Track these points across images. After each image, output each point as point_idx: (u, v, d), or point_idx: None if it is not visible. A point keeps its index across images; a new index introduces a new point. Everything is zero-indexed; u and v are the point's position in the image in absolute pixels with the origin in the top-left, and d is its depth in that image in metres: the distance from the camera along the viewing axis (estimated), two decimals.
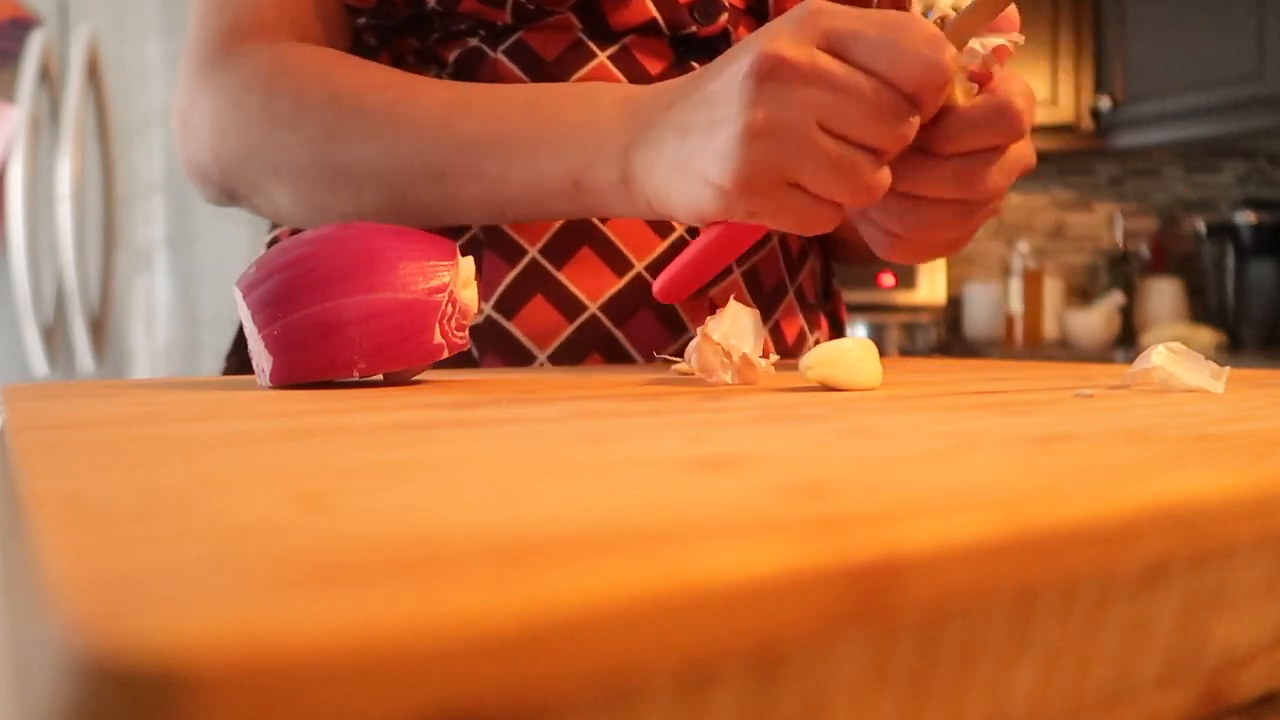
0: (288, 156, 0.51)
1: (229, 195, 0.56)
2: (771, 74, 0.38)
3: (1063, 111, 2.58)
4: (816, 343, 0.63)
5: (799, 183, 0.40)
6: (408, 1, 0.54)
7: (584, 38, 0.55)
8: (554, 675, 0.11)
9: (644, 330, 0.54)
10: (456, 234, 0.54)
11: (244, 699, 0.09)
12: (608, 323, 0.54)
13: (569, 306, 0.53)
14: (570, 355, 0.53)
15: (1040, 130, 2.60)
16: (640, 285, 0.54)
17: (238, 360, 0.62)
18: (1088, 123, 2.57)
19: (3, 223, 1.48)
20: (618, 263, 0.54)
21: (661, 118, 0.43)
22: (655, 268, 0.54)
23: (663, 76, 0.55)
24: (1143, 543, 0.16)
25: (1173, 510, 0.16)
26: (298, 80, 0.51)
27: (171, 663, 0.09)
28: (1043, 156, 2.78)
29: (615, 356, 0.54)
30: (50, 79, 1.52)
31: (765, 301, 0.59)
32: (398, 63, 0.58)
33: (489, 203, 0.49)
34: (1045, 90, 2.59)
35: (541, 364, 0.53)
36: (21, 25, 1.50)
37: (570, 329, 0.53)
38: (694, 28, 0.55)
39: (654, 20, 0.54)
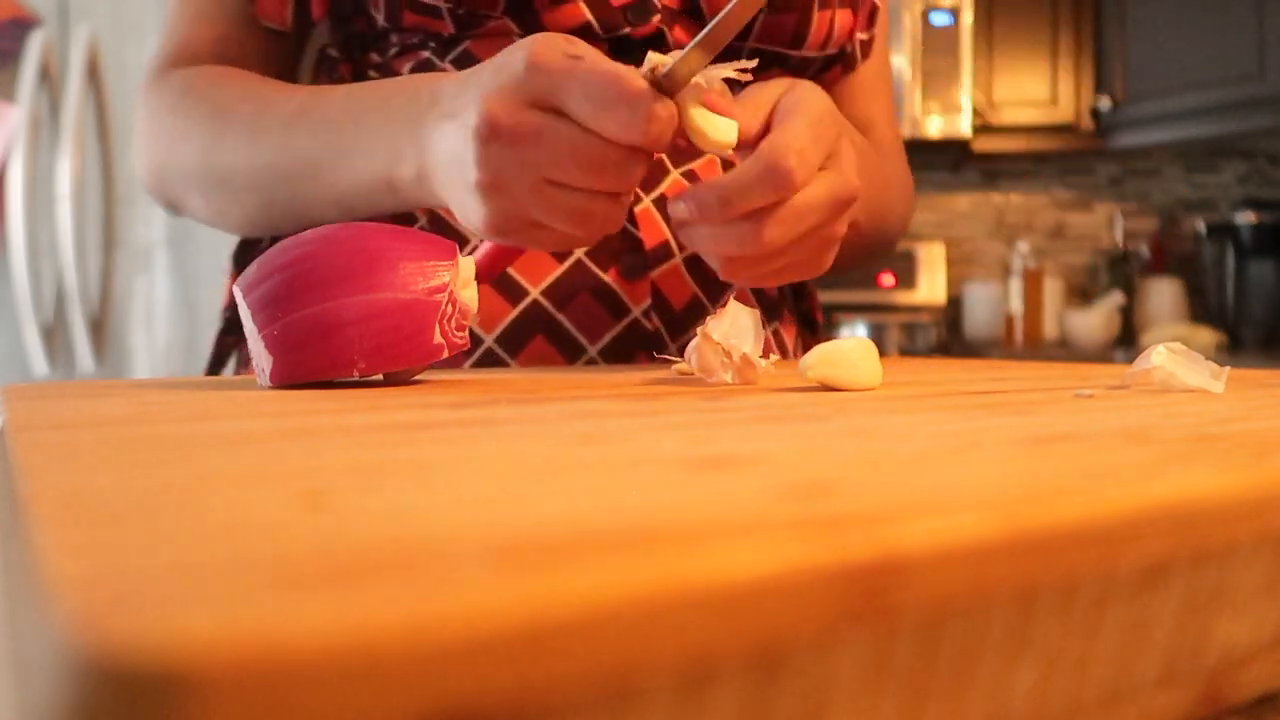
0: (186, 169, 0.57)
1: (170, 206, 0.62)
2: (491, 138, 0.40)
3: (1063, 111, 2.58)
4: (775, 334, 0.63)
5: (542, 224, 0.42)
6: (360, 20, 0.58)
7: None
8: (554, 675, 0.11)
9: (585, 313, 0.55)
10: (405, 225, 0.56)
11: (244, 699, 0.09)
12: (549, 306, 0.55)
13: (511, 292, 0.54)
14: (515, 338, 0.54)
15: (1040, 130, 2.60)
16: (580, 270, 0.55)
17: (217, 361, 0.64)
18: (1088, 123, 2.57)
19: (3, 223, 1.48)
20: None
21: (432, 119, 0.45)
22: (595, 254, 0.55)
23: None
24: (1143, 543, 0.16)
25: (1173, 510, 0.16)
26: (192, 99, 0.57)
27: (171, 663, 0.09)
28: (1043, 156, 2.79)
29: (559, 339, 0.55)
30: (50, 79, 1.52)
31: (708, 286, 0.59)
32: (360, 77, 0.62)
33: (334, 202, 0.53)
34: (1045, 90, 2.59)
35: (489, 347, 0.54)
36: (21, 25, 1.50)
37: (514, 313, 0.54)
38: (627, 29, 0.56)
39: (588, 23, 0.56)
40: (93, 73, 1.53)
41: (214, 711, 0.09)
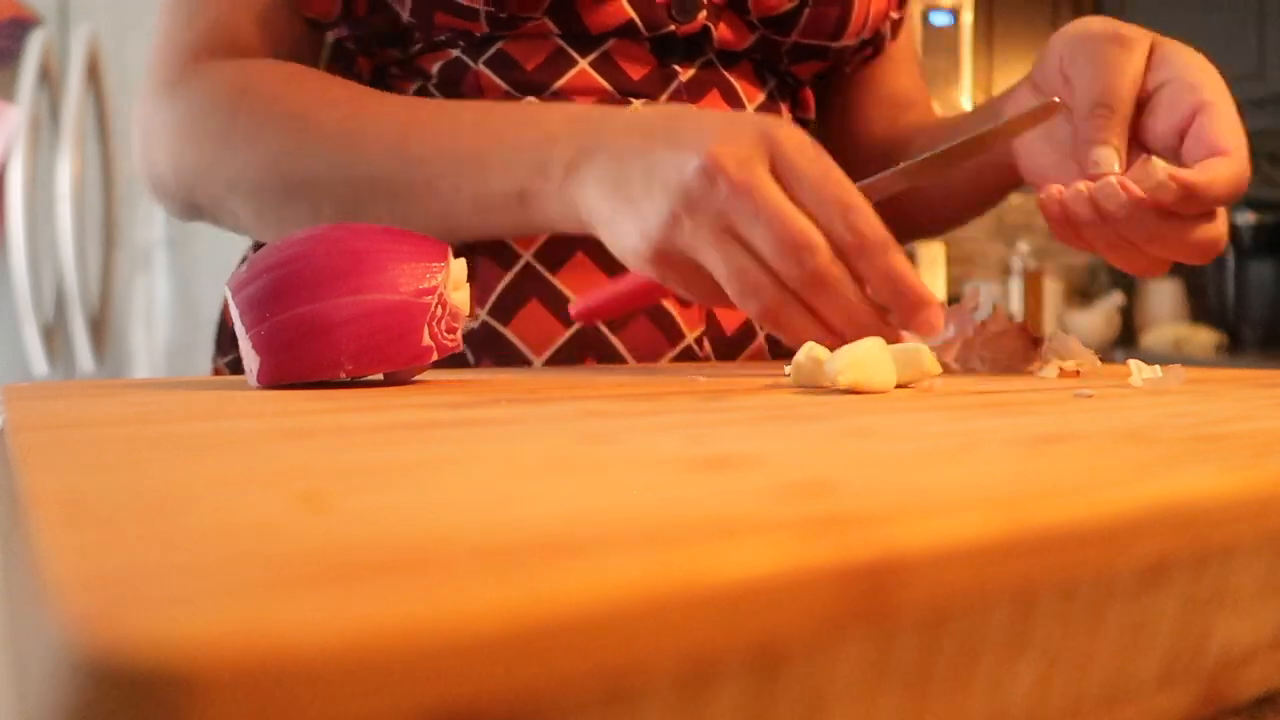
0: (246, 172, 0.52)
1: (191, 209, 0.57)
2: (710, 178, 0.41)
3: None
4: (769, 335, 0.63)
5: (699, 268, 0.43)
6: (383, 17, 0.55)
7: (563, 45, 0.55)
8: (554, 675, 0.11)
9: (639, 337, 0.54)
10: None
11: (244, 699, 0.09)
12: (604, 328, 0.54)
13: (565, 311, 0.53)
14: (566, 361, 0.53)
15: None
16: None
17: (224, 364, 0.62)
18: None
19: (3, 223, 1.48)
20: (613, 268, 0.54)
21: (610, 141, 0.45)
22: None
23: (645, 81, 0.56)
24: (1143, 543, 0.16)
25: (1173, 510, 0.16)
26: (258, 98, 0.52)
27: (171, 663, 0.09)
28: None
29: (611, 363, 0.54)
30: (50, 79, 1.52)
31: None
32: (380, 72, 0.59)
33: (441, 217, 0.50)
34: None
35: (537, 370, 0.53)
36: (21, 25, 1.50)
37: (566, 334, 0.53)
38: (672, 26, 0.55)
39: (631, 21, 0.54)
40: (93, 73, 1.53)
41: (214, 711, 0.09)
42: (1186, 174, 0.44)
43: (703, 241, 0.41)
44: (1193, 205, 0.44)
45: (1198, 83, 0.47)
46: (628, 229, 0.43)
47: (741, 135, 0.41)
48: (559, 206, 0.46)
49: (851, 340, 0.41)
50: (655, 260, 0.43)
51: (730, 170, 0.40)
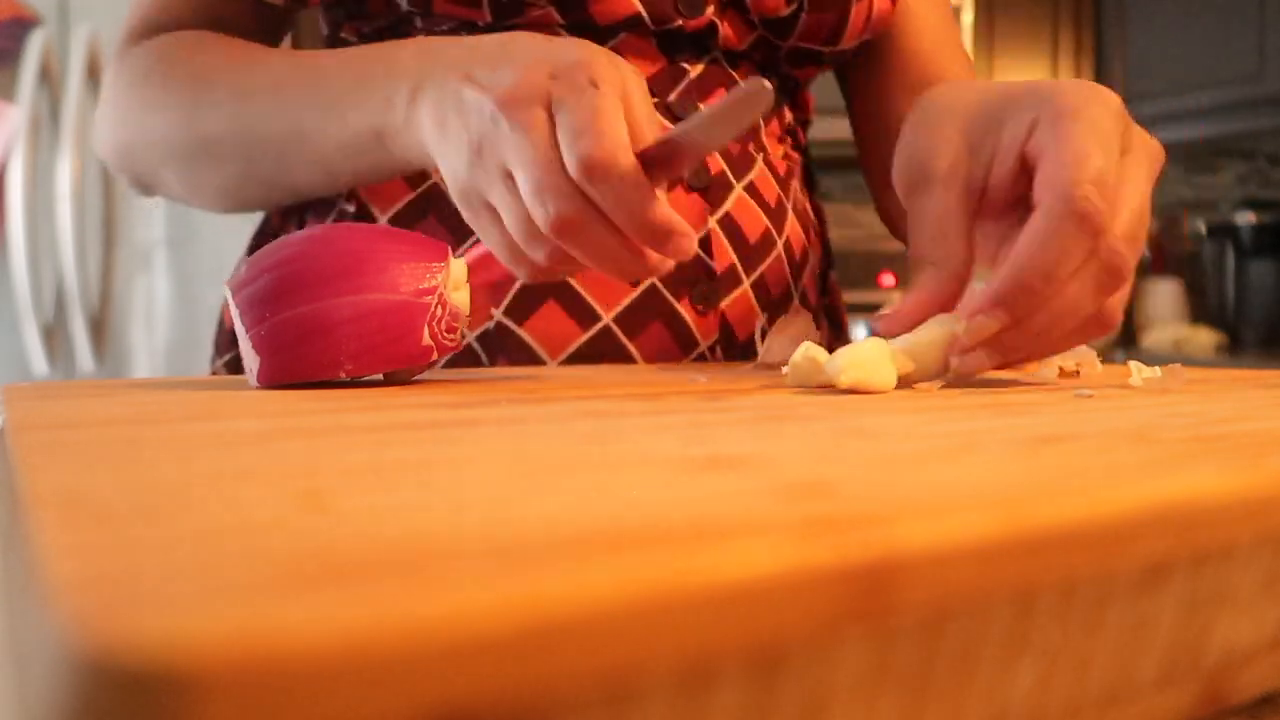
0: (161, 139, 0.54)
1: (139, 184, 0.59)
2: (495, 120, 0.39)
3: None
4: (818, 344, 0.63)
5: (491, 209, 0.40)
6: (379, 1, 0.55)
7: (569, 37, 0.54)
8: (554, 675, 0.11)
9: (655, 344, 0.54)
10: (462, 239, 0.54)
11: (244, 699, 0.09)
12: (620, 334, 0.53)
13: (582, 314, 0.53)
14: (580, 364, 0.53)
15: None
16: (654, 297, 0.54)
17: (222, 365, 0.62)
18: None
19: (3, 223, 1.48)
20: None
21: (443, 69, 0.43)
22: (669, 280, 0.54)
23: (654, 80, 0.55)
24: (1143, 543, 0.16)
25: (1173, 510, 0.16)
26: (169, 66, 0.54)
27: (171, 663, 0.09)
28: None
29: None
30: (50, 79, 1.52)
31: (774, 309, 0.59)
32: None
33: (315, 163, 0.50)
34: None
35: (537, 370, 0.53)
36: (21, 25, 1.50)
37: (583, 338, 0.53)
38: (679, 21, 0.55)
39: (638, 14, 0.54)
40: (93, 73, 1.53)
41: (214, 711, 0.09)
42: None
43: (492, 186, 0.39)
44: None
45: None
46: (447, 164, 0.42)
47: (533, 70, 0.39)
48: (406, 139, 0.45)
49: (625, 278, 0.39)
50: (461, 201, 0.41)
51: (509, 112, 0.38)
